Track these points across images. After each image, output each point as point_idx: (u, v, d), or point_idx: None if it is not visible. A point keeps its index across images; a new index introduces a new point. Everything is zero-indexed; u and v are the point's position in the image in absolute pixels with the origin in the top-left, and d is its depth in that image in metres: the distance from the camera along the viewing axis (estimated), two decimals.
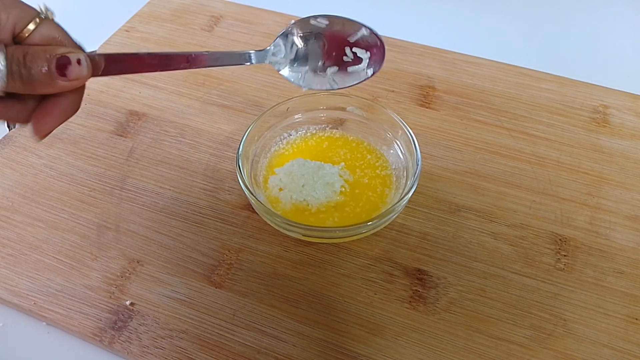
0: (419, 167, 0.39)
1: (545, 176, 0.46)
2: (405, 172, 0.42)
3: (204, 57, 0.32)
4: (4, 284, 0.39)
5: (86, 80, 0.28)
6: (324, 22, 0.37)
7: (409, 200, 0.39)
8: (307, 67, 0.37)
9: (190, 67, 0.31)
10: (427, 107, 0.51)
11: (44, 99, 0.28)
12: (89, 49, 0.31)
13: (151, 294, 0.39)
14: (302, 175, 0.41)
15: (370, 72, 0.37)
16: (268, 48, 0.36)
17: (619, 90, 0.53)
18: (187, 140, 0.48)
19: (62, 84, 0.26)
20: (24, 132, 0.49)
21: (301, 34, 0.37)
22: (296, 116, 0.46)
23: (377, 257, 0.41)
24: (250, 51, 0.35)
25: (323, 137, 0.46)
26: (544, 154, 0.47)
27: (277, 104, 0.44)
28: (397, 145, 0.43)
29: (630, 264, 0.40)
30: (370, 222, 0.37)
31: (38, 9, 0.27)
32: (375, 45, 0.37)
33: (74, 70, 0.26)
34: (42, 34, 0.27)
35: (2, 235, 0.42)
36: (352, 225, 0.37)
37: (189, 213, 0.43)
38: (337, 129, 0.46)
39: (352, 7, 0.67)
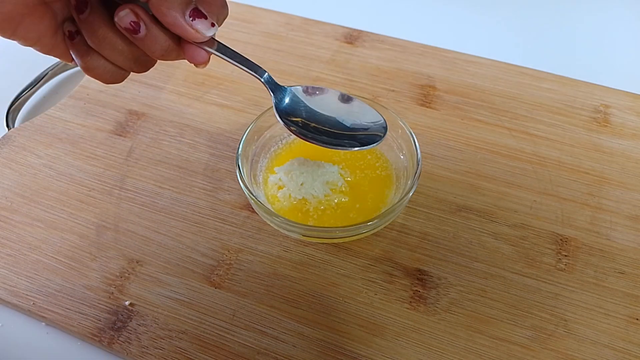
0: (419, 167, 0.39)
1: (546, 176, 0.45)
2: (405, 172, 0.42)
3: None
4: (3, 284, 0.39)
5: (204, 40, 0.30)
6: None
7: (410, 200, 0.39)
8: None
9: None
10: (427, 107, 0.51)
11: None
12: None
13: (150, 294, 0.38)
14: (302, 173, 0.41)
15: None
16: (287, 89, 0.37)
17: (620, 90, 0.52)
18: (186, 140, 0.48)
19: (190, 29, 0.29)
20: (24, 131, 0.49)
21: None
22: None
23: (378, 257, 0.40)
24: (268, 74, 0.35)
25: None
26: (544, 154, 0.47)
27: None
28: (397, 145, 0.43)
29: (631, 264, 0.40)
30: (371, 222, 0.37)
31: None
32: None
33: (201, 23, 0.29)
34: None
35: (1, 235, 0.42)
36: (352, 225, 0.37)
37: (188, 213, 0.43)
38: None
39: (352, 7, 0.67)
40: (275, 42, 0.57)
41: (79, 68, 0.57)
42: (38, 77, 0.55)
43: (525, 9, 0.67)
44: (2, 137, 0.49)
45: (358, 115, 0.38)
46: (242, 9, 0.61)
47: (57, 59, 0.56)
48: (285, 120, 0.36)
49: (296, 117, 0.37)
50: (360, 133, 0.38)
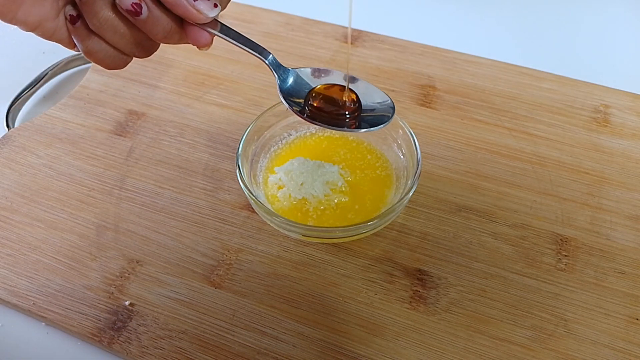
0: (419, 167, 0.39)
1: (546, 176, 0.45)
2: (405, 172, 0.42)
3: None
4: (3, 284, 0.39)
5: (206, 21, 0.30)
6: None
7: (410, 200, 0.39)
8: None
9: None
10: (427, 107, 0.51)
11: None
12: None
13: (150, 294, 0.38)
14: (302, 173, 0.41)
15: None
16: (290, 71, 0.36)
17: (620, 90, 0.52)
18: (186, 140, 0.48)
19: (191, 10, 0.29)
20: (24, 131, 0.49)
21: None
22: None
23: (378, 257, 0.40)
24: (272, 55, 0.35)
25: (323, 137, 0.46)
26: (544, 154, 0.47)
27: (276, 104, 0.44)
28: (397, 145, 0.43)
29: (631, 264, 0.40)
30: (371, 222, 0.37)
31: None
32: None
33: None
34: None
35: (1, 235, 0.42)
36: (352, 225, 0.37)
37: (188, 213, 0.43)
38: None
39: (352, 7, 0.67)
40: (275, 42, 0.57)
41: (78, 68, 0.57)
42: (38, 77, 0.55)
43: (525, 9, 0.67)
44: (2, 137, 0.49)
45: (364, 96, 0.37)
46: (242, 9, 0.61)
47: (57, 60, 0.57)
48: (289, 102, 0.35)
49: (300, 99, 0.36)
50: (367, 114, 0.36)
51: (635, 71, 0.58)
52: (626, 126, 0.49)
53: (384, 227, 0.41)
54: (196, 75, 0.54)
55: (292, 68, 0.36)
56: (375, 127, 0.35)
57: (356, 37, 0.58)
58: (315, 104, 0.36)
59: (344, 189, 0.42)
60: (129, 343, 0.36)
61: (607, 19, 0.65)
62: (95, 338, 0.36)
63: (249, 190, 0.38)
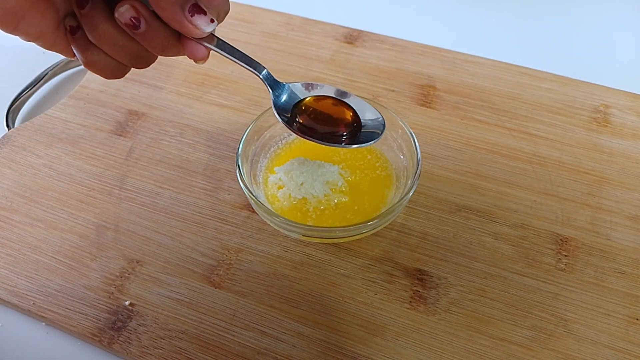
0: (419, 167, 0.39)
1: (546, 176, 0.45)
2: (405, 172, 0.42)
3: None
4: (2, 284, 0.39)
5: (203, 35, 0.30)
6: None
7: (410, 200, 0.39)
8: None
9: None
10: (427, 107, 0.51)
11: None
12: None
13: (150, 294, 0.38)
14: (302, 173, 0.41)
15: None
16: (285, 86, 0.37)
17: (620, 90, 0.52)
18: (186, 140, 0.48)
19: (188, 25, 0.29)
20: (24, 131, 0.49)
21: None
22: None
23: (378, 257, 0.40)
24: (267, 70, 0.35)
25: None
26: (544, 154, 0.47)
27: None
28: (397, 145, 0.43)
29: (631, 264, 0.40)
30: (371, 222, 0.37)
31: None
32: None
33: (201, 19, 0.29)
34: None
35: (1, 235, 0.42)
36: (352, 225, 0.37)
37: (188, 213, 0.43)
38: None
39: (352, 7, 0.67)
40: (275, 42, 0.57)
41: (78, 68, 0.57)
42: (38, 77, 0.55)
43: (525, 9, 0.67)
44: (2, 137, 0.49)
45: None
46: (242, 9, 0.61)
47: (57, 60, 0.57)
48: (284, 117, 0.36)
49: (294, 114, 0.37)
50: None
51: (635, 71, 0.58)
52: (626, 126, 0.49)
53: (384, 227, 0.41)
54: (196, 75, 0.54)
55: (286, 82, 0.37)
56: (363, 144, 0.36)
57: (356, 37, 0.58)
58: (304, 119, 0.37)
59: (344, 189, 0.42)
60: (129, 343, 0.36)
61: (607, 19, 0.65)
62: (95, 338, 0.37)
63: (249, 190, 0.38)
